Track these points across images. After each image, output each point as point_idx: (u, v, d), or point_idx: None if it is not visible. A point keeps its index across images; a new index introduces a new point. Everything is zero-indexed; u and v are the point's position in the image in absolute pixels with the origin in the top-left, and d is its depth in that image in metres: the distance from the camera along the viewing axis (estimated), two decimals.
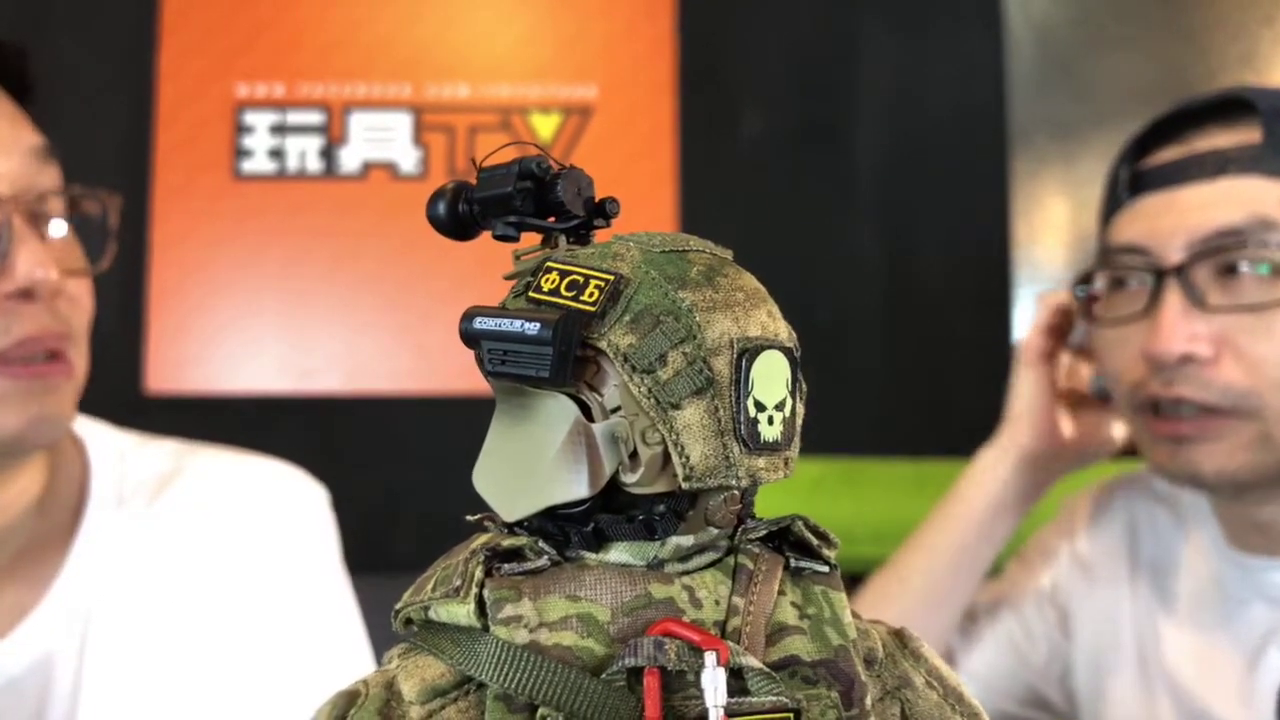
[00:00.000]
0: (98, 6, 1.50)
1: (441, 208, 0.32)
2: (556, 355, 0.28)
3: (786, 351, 0.30)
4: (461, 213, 0.32)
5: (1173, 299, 0.69)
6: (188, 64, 1.48)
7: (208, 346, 1.46)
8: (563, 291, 0.30)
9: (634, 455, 0.29)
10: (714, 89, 1.53)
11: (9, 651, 0.64)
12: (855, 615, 0.33)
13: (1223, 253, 0.68)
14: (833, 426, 1.51)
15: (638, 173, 1.49)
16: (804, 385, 0.32)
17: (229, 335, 1.47)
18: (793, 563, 0.32)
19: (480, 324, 0.30)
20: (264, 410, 1.46)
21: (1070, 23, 1.59)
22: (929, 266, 1.53)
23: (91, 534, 0.68)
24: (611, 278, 0.30)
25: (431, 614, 0.31)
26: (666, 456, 0.29)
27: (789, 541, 0.32)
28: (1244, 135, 0.71)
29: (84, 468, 0.71)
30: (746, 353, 0.29)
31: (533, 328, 0.29)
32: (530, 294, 0.30)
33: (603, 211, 0.32)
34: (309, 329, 1.47)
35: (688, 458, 0.29)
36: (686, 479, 0.29)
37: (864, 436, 1.44)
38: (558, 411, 0.30)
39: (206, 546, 0.71)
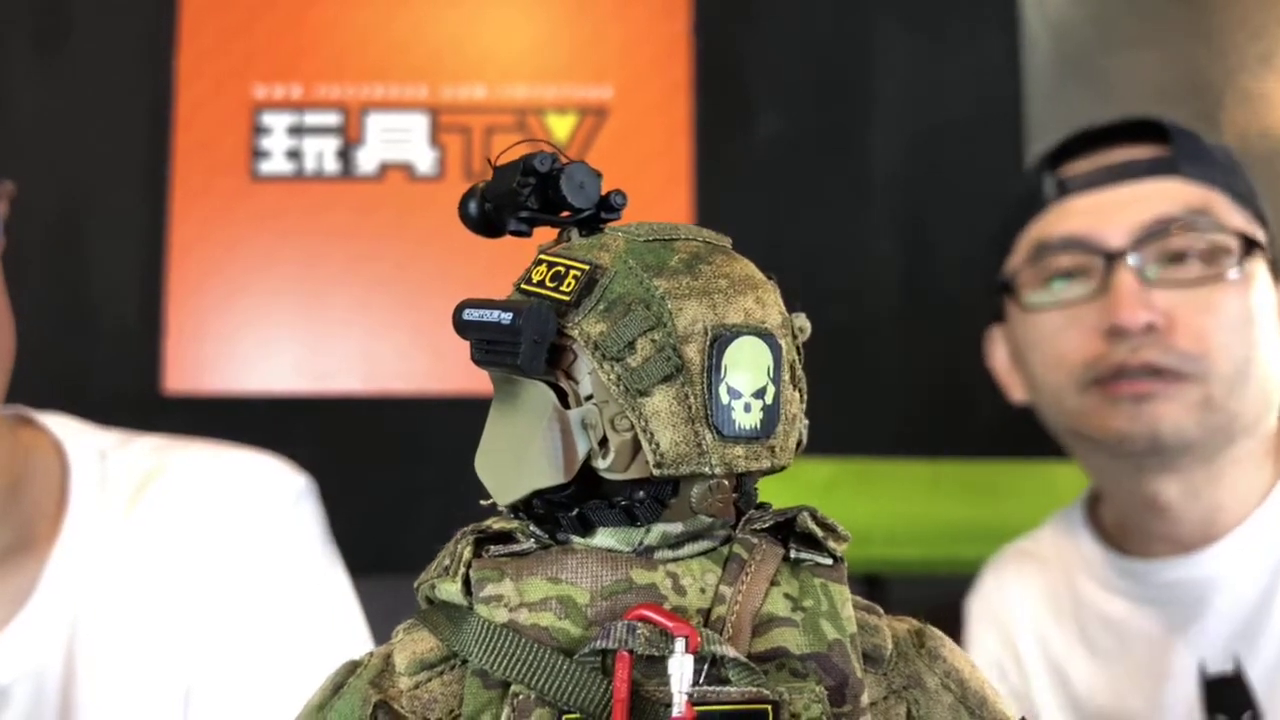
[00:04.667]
0: (117, 9, 1.51)
1: (471, 207, 0.33)
2: (527, 344, 0.29)
3: (767, 337, 0.30)
4: (486, 210, 0.33)
5: (1126, 277, 0.77)
6: (206, 66, 1.49)
7: (226, 347, 1.47)
8: (547, 283, 0.31)
9: (604, 442, 0.30)
10: (730, 90, 1.53)
11: None
12: (873, 611, 0.33)
13: (1166, 236, 0.78)
14: (848, 427, 1.51)
15: (653, 173, 1.49)
16: (799, 372, 0.32)
17: (247, 336, 1.48)
18: (793, 554, 0.32)
19: (467, 315, 0.31)
20: (281, 410, 1.46)
21: (1088, 22, 1.58)
22: (945, 267, 1.53)
23: (74, 537, 0.67)
24: (588, 267, 0.30)
25: (436, 592, 0.32)
26: (639, 443, 0.29)
27: (795, 534, 0.32)
28: (1153, 150, 0.81)
29: (63, 470, 0.70)
30: (719, 339, 0.29)
31: (506, 318, 0.30)
32: (522, 286, 0.31)
33: (609, 204, 0.33)
34: (326, 329, 1.48)
35: (657, 444, 0.29)
36: (658, 465, 0.29)
37: (880, 437, 1.44)
38: (539, 399, 0.31)
39: (190, 543, 0.70)
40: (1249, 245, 0.78)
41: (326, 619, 0.72)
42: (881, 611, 0.33)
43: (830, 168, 1.54)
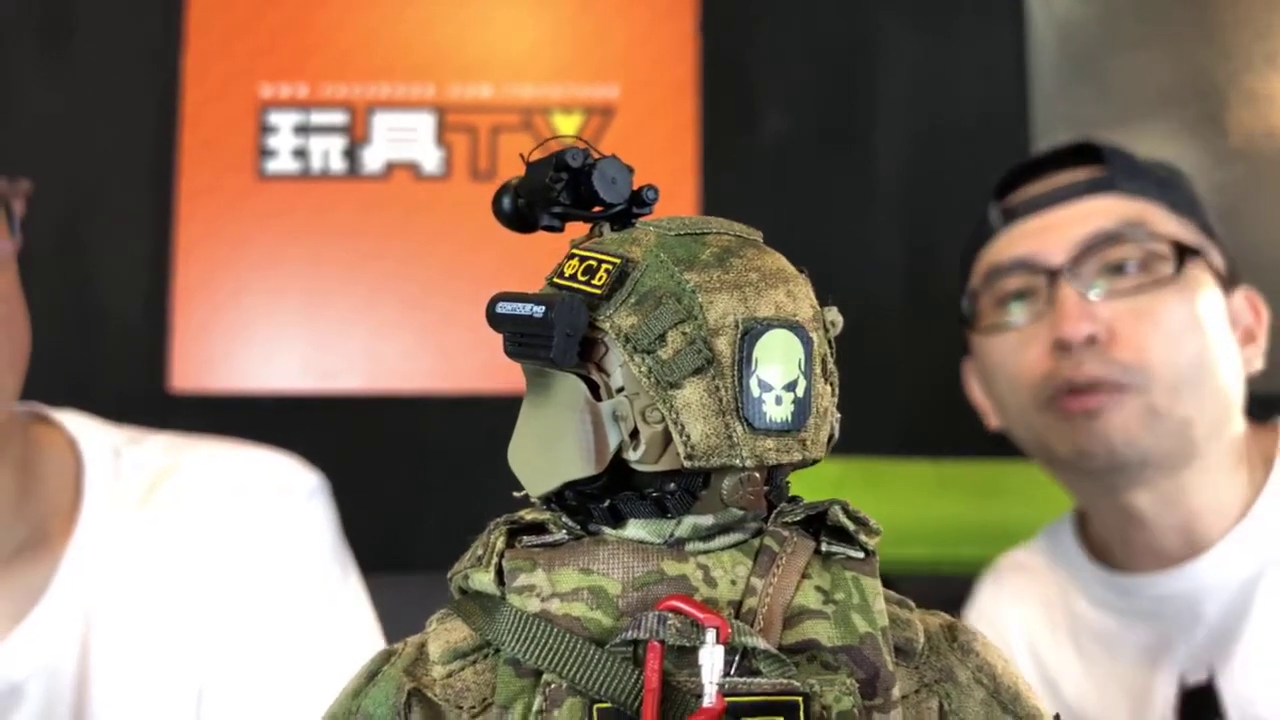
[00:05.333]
0: (123, 7, 1.51)
1: (505, 203, 0.33)
2: (560, 337, 0.29)
3: (798, 330, 0.30)
4: (520, 206, 0.33)
5: (1068, 291, 0.80)
6: (213, 65, 1.49)
7: (232, 345, 1.47)
8: (579, 277, 0.31)
9: (635, 434, 0.30)
10: (735, 89, 1.53)
11: (9, 655, 0.64)
12: (905, 605, 0.33)
13: (1103, 249, 0.80)
14: (855, 427, 1.50)
15: (659, 172, 1.49)
16: (831, 365, 0.32)
17: (253, 334, 1.48)
18: (824, 548, 0.32)
19: (500, 308, 0.31)
20: (287, 409, 1.47)
21: (1094, 21, 1.58)
22: (951, 266, 1.52)
23: (88, 533, 0.68)
24: (619, 261, 0.30)
25: (469, 582, 0.32)
26: (669, 435, 0.29)
27: (826, 527, 0.32)
28: (1091, 171, 0.85)
29: (78, 467, 0.70)
30: (750, 332, 0.29)
31: (539, 311, 0.30)
32: (554, 280, 0.32)
33: (640, 199, 0.33)
34: (332, 328, 1.48)
35: (688, 436, 0.29)
36: (689, 457, 0.29)
37: (886, 437, 1.44)
38: (571, 391, 0.31)
39: (203, 541, 0.70)
40: (1183, 252, 0.80)
41: (338, 617, 0.73)
42: (913, 605, 0.33)
43: (836, 167, 1.54)
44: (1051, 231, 0.82)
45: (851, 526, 0.32)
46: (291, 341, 1.48)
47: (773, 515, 0.32)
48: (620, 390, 0.30)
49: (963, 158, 1.53)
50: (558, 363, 0.30)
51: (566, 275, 0.31)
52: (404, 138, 1.50)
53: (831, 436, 0.32)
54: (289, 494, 0.74)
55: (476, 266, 1.45)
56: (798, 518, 0.32)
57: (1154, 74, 1.54)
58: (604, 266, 0.30)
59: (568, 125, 1.50)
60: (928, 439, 1.45)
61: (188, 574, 0.69)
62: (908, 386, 1.51)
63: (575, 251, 0.31)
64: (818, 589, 0.31)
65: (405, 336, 1.48)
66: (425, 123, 1.50)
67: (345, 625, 0.72)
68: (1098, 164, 0.85)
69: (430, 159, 1.50)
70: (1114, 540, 0.86)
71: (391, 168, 1.50)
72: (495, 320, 0.31)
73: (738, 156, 1.52)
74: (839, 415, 0.32)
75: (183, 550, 0.70)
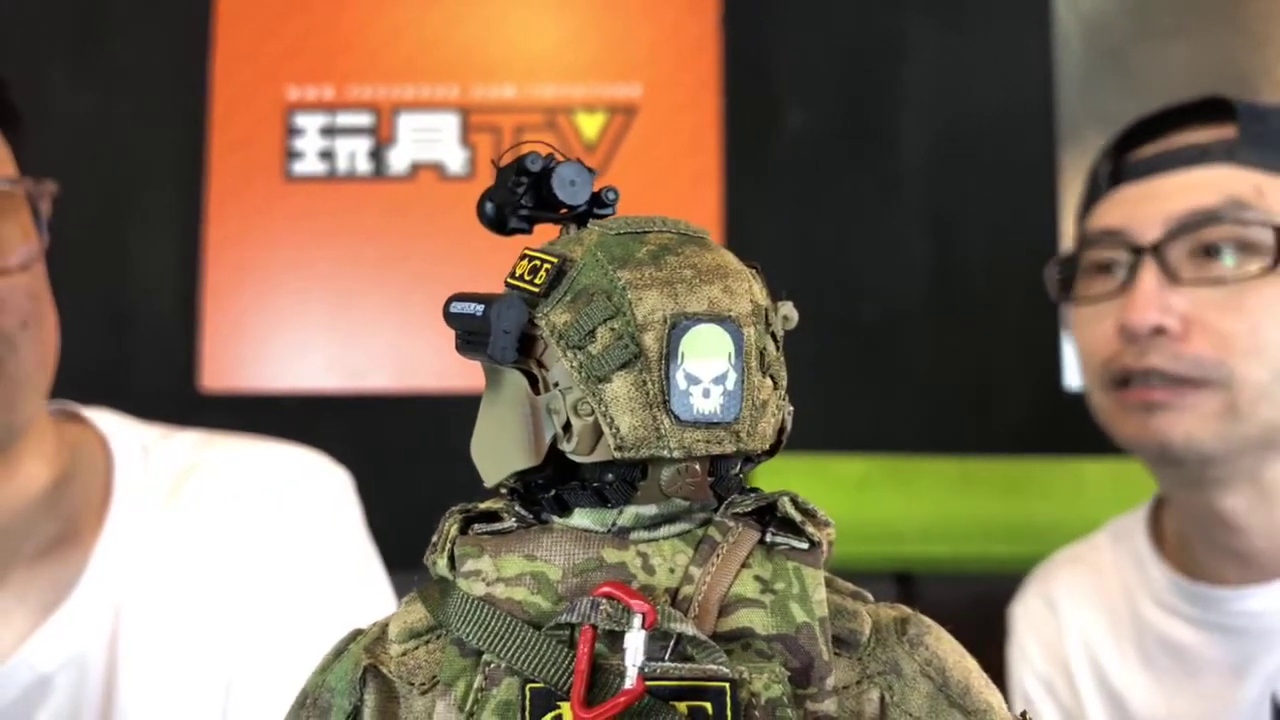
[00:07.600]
0: (153, 12, 1.53)
1: (487, 207, 0.34)
2: (497, 334, 0.31)
3: (728, 324, 0.31)
4: (499, 209, 0.34)
5: (1149, 274, 0.73)
6: (240, 68, 1.51)
7: (260, 345, 1.49)
8: (525, 276, 0.33)
9: (568, 426, 0.31)
10: (758, 87, 1.53)
11: (38, 648, 0.65)
12: (859, 597, 0.33)
13: (1198, 230, 0.72)
14: (880, 425, 1.51)
15: (682, 171, 1.49)
16: (770, 359, 0.32)
17: (281, 334, 1.49)
18: (768, 538, 0.32)
19: (452, 308, 0.33)
20: (314, 407, 1.48)
21: (1120, 14, 1.56)
22: (976, 264, 1.52)
23: (117, 529, 0.69)
24: (557, 261, 0.32)
25: (434, 567, 0.34)
26: (601, 428, 0.31)
27: (775, 518, 0.32)
28: (1221, 132, 0.75)
29: (108, 463, 0.71)
30: (676, 326, 0.30)
31: (479, 310, 0.32)
32: (507, 280, 0.33)
33: (601, 201, 0.34)
34: (359, 327, 1.49)
35: (617, 428, 0.30)
36: (618, 449, 0.30)
37: (911, 435, 1.44)
38: (515, 386, 0.33)
39: (231, 536, 0.71)
40: None
41: (363, 612, 0.73)
42: (869, 598, 0.33)
43: (860, 164, 1.53)
44: (1149, 203, 0.74)
45: (798, 518, 0.32)
46: (319, 341, 1.49)
47: (723, 506, 0.32)
48: (556, 385, 0.31)
49: (988, 153, 1.53)
50: (497, 359, 0.32)
51: (516, 275, 0.33)
52: (429, 138, 1.51)
53: (783, 429, 0.33)
54: (316, 489, 0.75)
55: (501, 265, 1.46)
56: (747, 509, 0.32)
57: (1182, 66, 1.53)
58: (545, 266, 0.32)
59: (591, 125, 1.51)
60: (952, 436, 1.44)
61: (216, 568, 0.70)
62: (932, 384, 1.50)
63: (526, 252, 0.33)
64: (757, 578, 0.31)
65: (431, 335, 1.49)
66: (450, 123, 1.51)
67: (370, 621, 0.73)
68: (1230, 123, 0.75)
69: (455, 159, 1.51)
70: (1197, 542, 0.79)
71: (417, 168, 1.51)
72: (448, 319, 0.33)
73: (761, 154, 1.52)
74: (790, 408, 0.33)
75: (211, 545, 0.71)
